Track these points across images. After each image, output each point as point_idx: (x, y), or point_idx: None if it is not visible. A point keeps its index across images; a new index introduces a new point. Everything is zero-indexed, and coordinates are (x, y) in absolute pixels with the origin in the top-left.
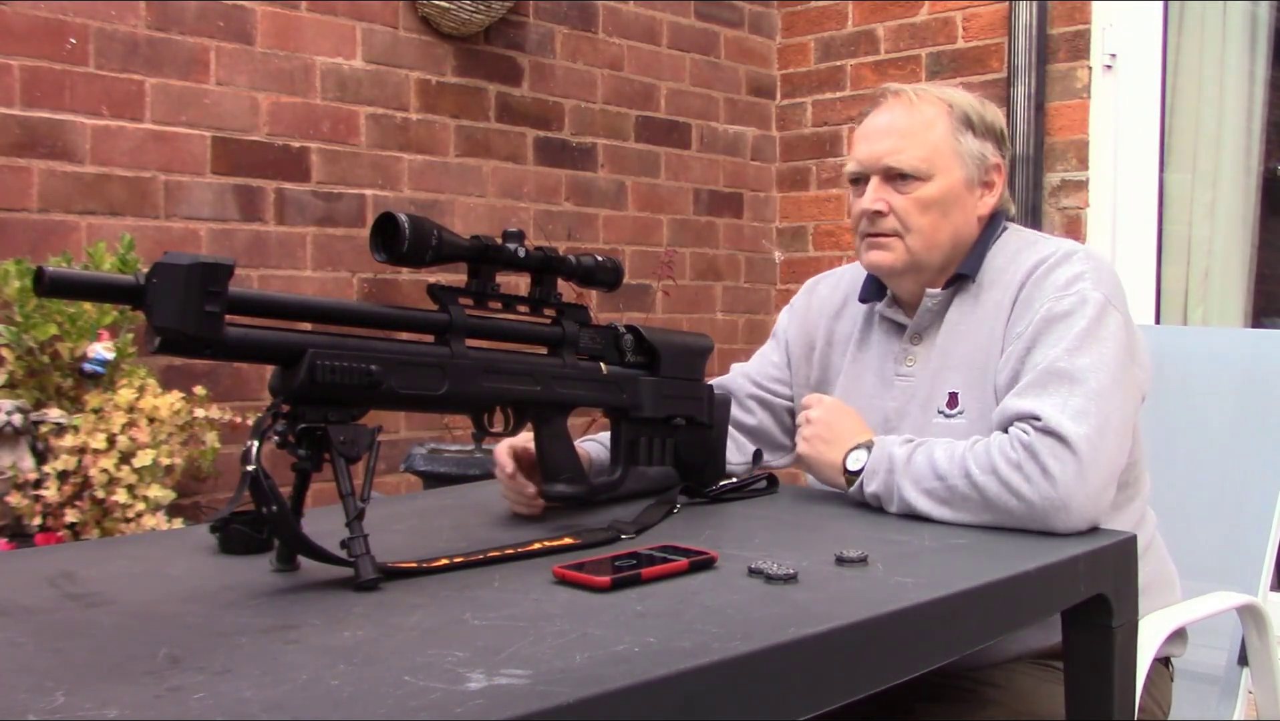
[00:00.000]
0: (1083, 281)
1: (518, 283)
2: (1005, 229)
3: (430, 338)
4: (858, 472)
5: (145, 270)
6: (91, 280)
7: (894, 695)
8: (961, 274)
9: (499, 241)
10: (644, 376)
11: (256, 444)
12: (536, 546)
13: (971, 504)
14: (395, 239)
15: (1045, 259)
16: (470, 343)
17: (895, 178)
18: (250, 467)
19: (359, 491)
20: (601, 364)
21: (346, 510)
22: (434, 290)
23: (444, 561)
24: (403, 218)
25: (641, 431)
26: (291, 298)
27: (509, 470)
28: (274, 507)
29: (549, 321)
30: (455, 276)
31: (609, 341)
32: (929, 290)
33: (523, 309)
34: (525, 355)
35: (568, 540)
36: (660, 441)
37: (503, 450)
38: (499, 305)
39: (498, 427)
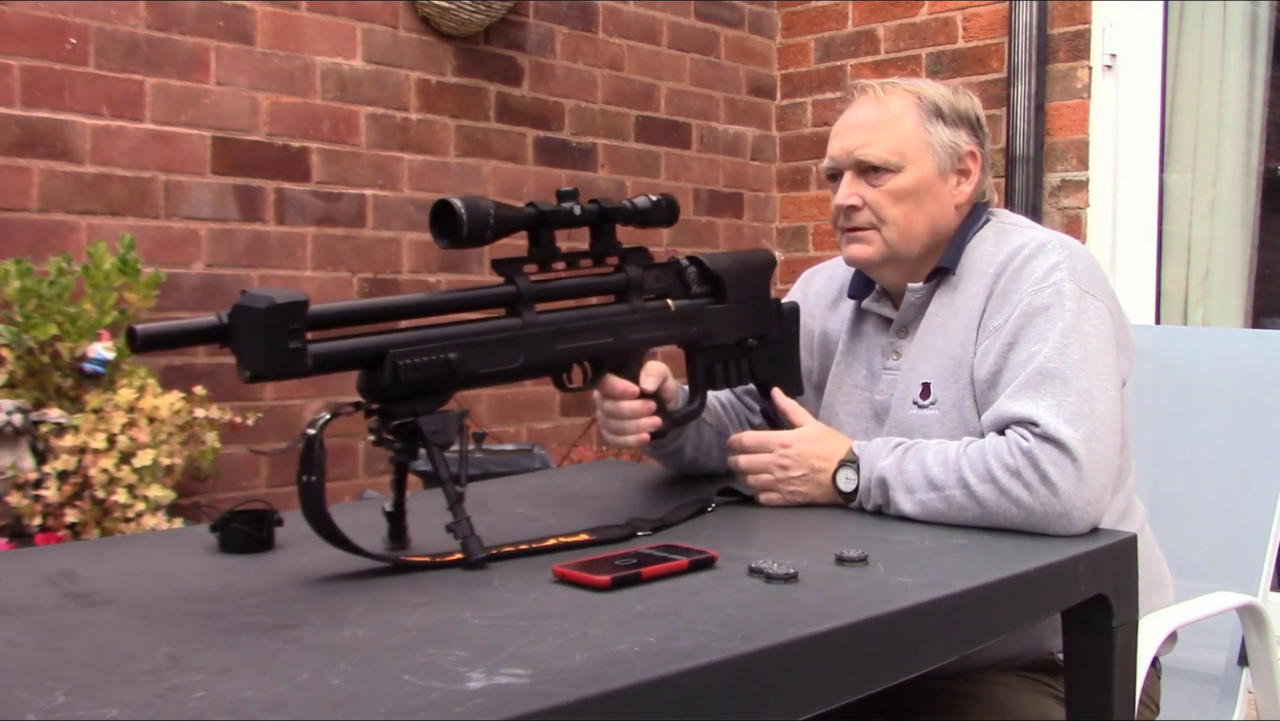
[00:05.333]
0: (1059, 272)
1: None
2: (989, 219)
3: (501, 311)
4: (852, 493)
5: (226, 313)
6: (179, 329)
7: (881, 699)
8: (942, 267)
9: (555, 204)
10: (711, 305)
11: (327, 415)
12: (551, 542)
13: (969, 513)
14: (454, 224)
15: (1019, 250)
16: (540, 307)
17: (867, 171)
18: (312, 431)
19: (457, 476)
20: (669, 300)
21: (447, 495)
22: (498, 264)
23: (522, 546)
24: (458, 203)
25: (716, 358)
26: (366, 304)
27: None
28: (313, 478)
29: (612, 270)
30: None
31: (673, 277)
32: (911, 284)
33: (586, 263)
34: (594, 309)
35: (583, 536)
36: (735, 364)
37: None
38: (562, 265)
39: (576, 383)
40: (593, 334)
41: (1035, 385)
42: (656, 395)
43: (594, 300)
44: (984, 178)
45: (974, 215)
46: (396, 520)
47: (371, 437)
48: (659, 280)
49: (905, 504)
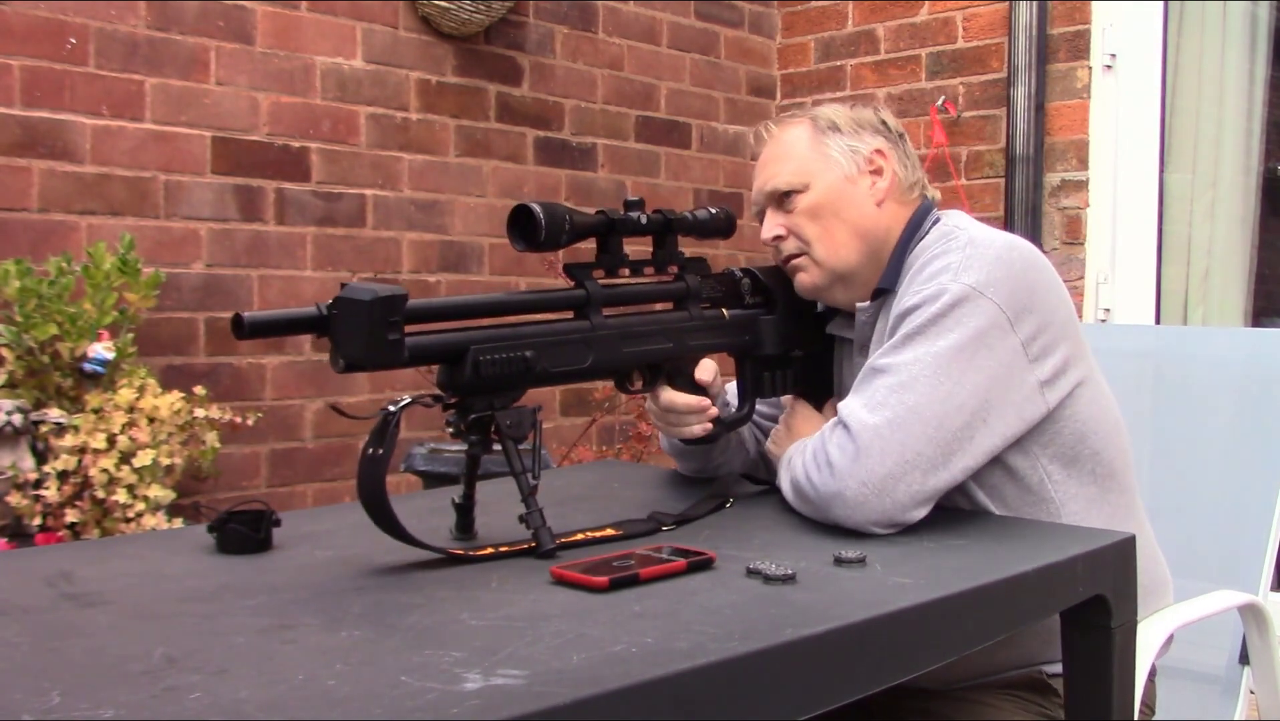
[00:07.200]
0: (945, 275)
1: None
2: (935, 222)
3: (569, 314)
4: None
5: (327, 303)
6: (281, 318)
7: (868, 716)
8: (882, 288)
9: (622, 212)
10: (763, 316)
11: (408, 399)
12: (580, 537)
13: (799, 497)
14: (531, 228)
15: (922, 252)
16: (605, 311)
17: (782, 200)
18: (393, 408)
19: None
20: (724, 310)
21: (520, 487)
22: (570, 268)
23: (581, 536)
24: (537, 209)
25: (765, 367)
26: (452, 301)
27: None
28: (379, 451)
29: (672, 278)
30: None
31: (729, 287)
32: (859, 304)
33: (648, 270)
34: (656, 315)
35: (609, 531)
36: (782, 373)
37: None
38: (627, 271)
39: (637, 385)
40: (655, 338)
41: (860, 382)
42: (705, 390)
43: (655, 306)
44: (907, 172)
45: (913, 225)
46: (465, 511)
47: (449, 430)
48: (715, 289)
49: (785, 486)
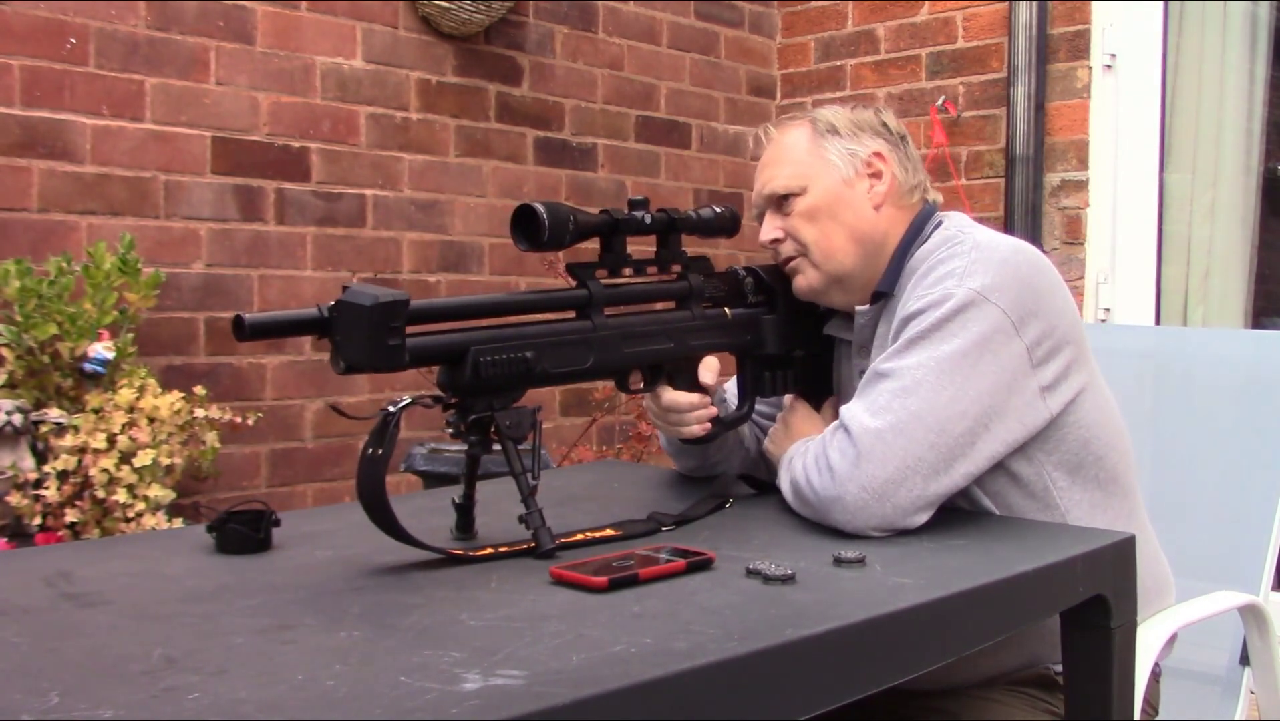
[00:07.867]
0: (950, 279)
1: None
2: (937, 225)
3: (570, 313)
4: None
5: (328, 305)
6: (283, 320)
7: (873, 716)
8: (881, 291)
9: (626, 211)
10: (765, 316)
11: (408, 399)
12: (580, 537)
13: (799, 500)
14: (535, 229)
15: (928, 255)
16: (608, 311)
17: (780, 203)
18: (392, 409)
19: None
20: (725, 309)
21: (520, 487)
22: (572, 268)
23: (580, 536)
24: (540, 209)
25: (765, 366)
26: (453, 302)
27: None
28: (379, 451)
29: (675, 277)
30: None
31: (732, 286)
32: (858, 308)
33: (651, 270)
34: (657, 314)
35: (608, 531)
36: (783, 373)
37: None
38: (630, 271)
39: (638, 385)
40: (656, 339)
41: (864, 386)
42: (705, 390)
43: (656, 306)
44: (908, 175)
45: (914, 229)
46: (465, 511)
47: (449, 430)
48: (718, 289)
49: (785, 486)
